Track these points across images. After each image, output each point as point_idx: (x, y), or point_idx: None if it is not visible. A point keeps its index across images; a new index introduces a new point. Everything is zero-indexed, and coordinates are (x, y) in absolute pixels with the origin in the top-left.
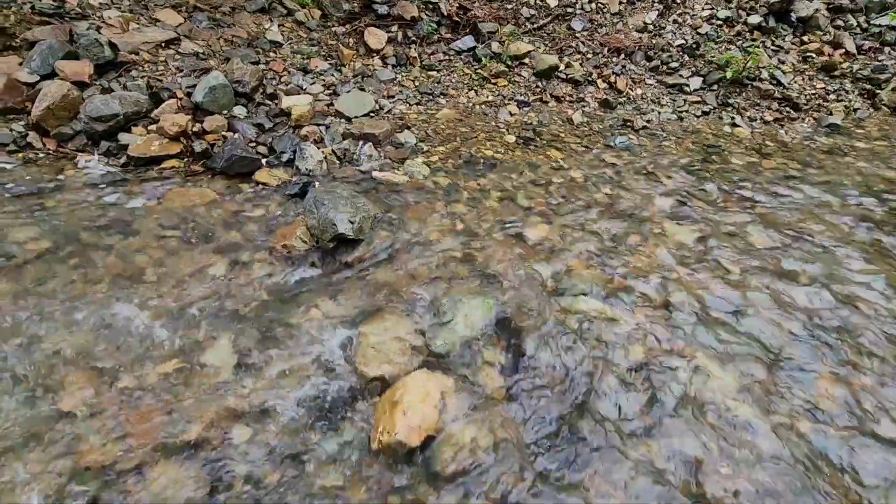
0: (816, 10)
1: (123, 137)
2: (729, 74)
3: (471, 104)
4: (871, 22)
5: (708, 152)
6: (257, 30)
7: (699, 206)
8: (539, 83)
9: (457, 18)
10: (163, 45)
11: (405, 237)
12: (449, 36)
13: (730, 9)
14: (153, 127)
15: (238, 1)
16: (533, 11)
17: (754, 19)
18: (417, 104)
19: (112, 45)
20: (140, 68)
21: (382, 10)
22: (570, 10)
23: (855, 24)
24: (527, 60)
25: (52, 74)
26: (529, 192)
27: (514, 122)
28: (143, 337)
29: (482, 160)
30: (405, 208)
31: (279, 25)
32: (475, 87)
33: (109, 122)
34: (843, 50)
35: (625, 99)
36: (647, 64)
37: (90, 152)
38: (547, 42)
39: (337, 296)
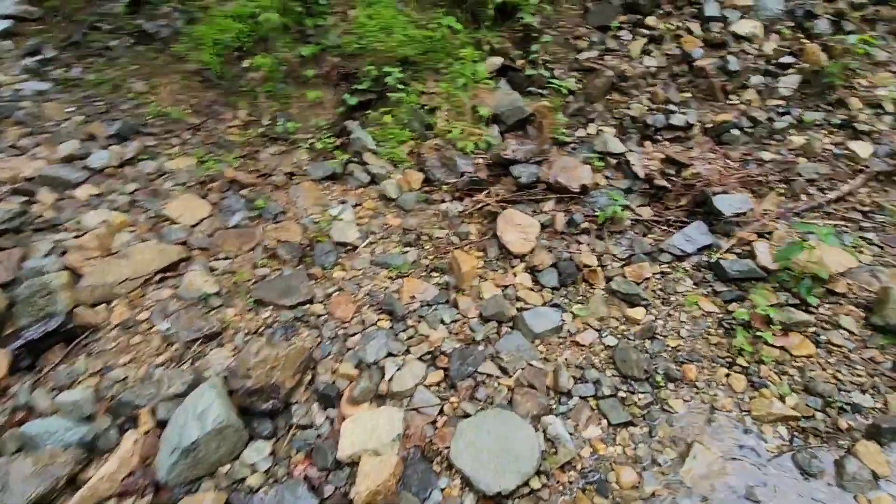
0: None
1: None
2: None
3: (746, 425)
4: None
5: None
6: (321, 218)
7: None
8: (892, 353)
9: (663, 182)
10: (156, 277)
11: None
12: (652, 217)
13: None
14: None
15: (300, 163)
16: (822, 167)
17: None
18: (627, 424)
19: (73, 283)
20: (97, 344)
21: (525, 174)
22: None
23: None
24: (843, 287)
25: None
26: None
27: None
28: None
29: None
30: None
31: (355, 205)
32: (734, 358)
33: None
34: None
35: None
36: None
37: None
38: (873, 237)
39: None
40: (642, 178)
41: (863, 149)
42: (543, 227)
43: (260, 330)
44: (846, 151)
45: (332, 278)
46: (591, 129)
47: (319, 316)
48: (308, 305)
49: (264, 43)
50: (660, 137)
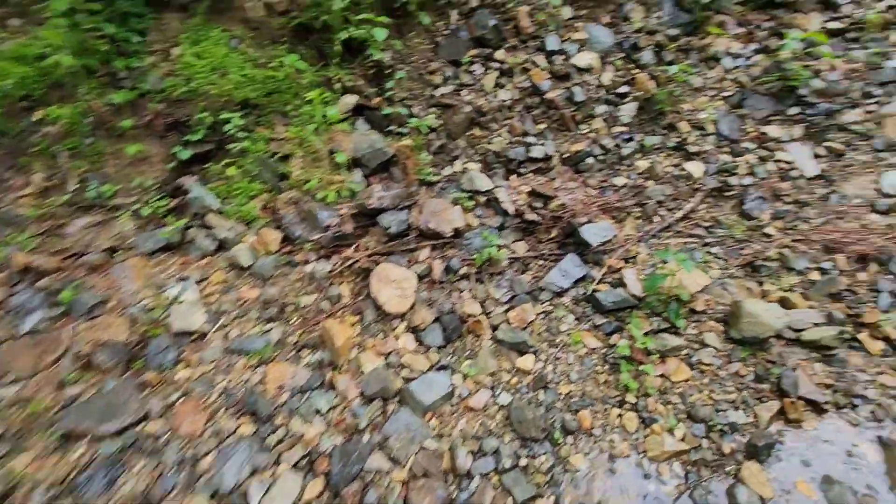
0: None
1: None
2: None
3: (645, 469)
4: None
5: None
6: (155, 303)
7: None
8: (752, 364)
9: (533, 216)
10: None
11: None
12: (528, 253)
13: None
14: None
15: (123, 234)
16: (667, 188)
17: None
18: (534, 498)
19: None
20: None
21: (395, 223)
22: (730, 179)
23: None
24: (702, 304)
25: None
26: None
27: None
28: None
29: None
30: None
31: (200, 281)
32: (623, 395)
33: None
34: None
35: None
36: None
37: None
38: (717, 251)
39: None
40: (512, 213)
41: (696, 168)
42: (421, 278)
43: (70, 476)
44: (683, 172)
45: (173, 382)
46: (457, 166)
47: (158, 437)
48: (141, 425)
49: (61, 89)
50: (523, 170)
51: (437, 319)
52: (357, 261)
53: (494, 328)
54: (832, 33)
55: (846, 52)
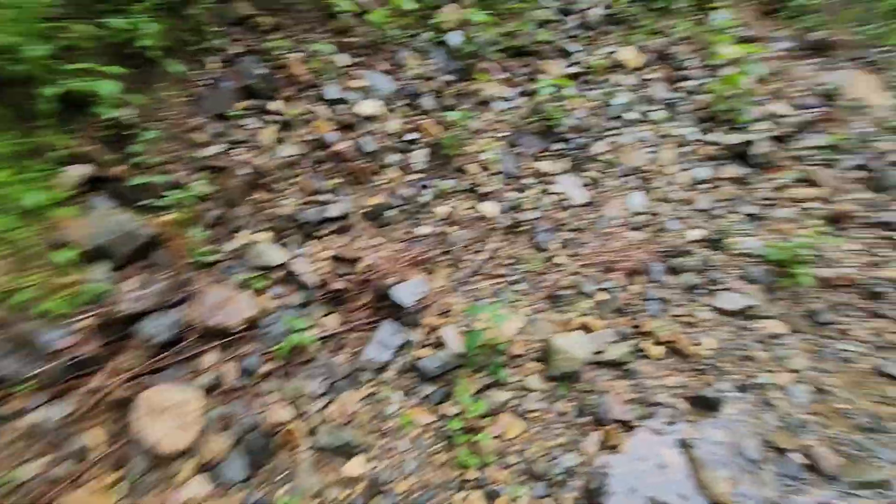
0: None
1: None
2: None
3: None
4: None
5: None
6: None
7: None
8: (572, 398)
9: (339, 284)
10: None
11: None
12: (340, 328)
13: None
14: None
15: None
16: (468, 231)
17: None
18: None
19: None
20: None
21: (162, 329)
22: (519, 215)
23: None
24: (520, 347)
25: None
26: None
27: None
28: None
29: None
30: None
31: None
32: (464, 472)
33: None
34: None
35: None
36: (679, 281)
37: None
38: (523, 287)
39: None
40: (316, 285)
41: (490, 208)
42: (209, 391)
43: None
44: (479, 213)
45: None
46: (242, 238)
47: None
48: None
49: None
50: (322, 232)
51: (237, 443)
52: (110, 391)
53: (312, 432)
54: (573, 77)
55: (584, 93)
